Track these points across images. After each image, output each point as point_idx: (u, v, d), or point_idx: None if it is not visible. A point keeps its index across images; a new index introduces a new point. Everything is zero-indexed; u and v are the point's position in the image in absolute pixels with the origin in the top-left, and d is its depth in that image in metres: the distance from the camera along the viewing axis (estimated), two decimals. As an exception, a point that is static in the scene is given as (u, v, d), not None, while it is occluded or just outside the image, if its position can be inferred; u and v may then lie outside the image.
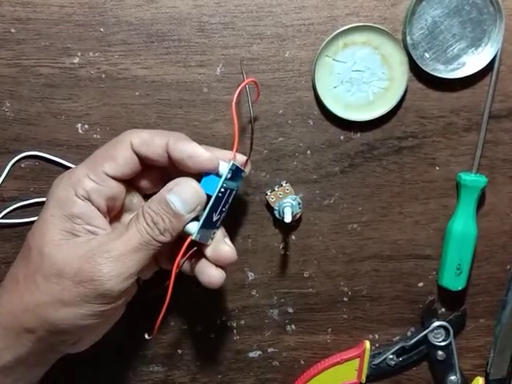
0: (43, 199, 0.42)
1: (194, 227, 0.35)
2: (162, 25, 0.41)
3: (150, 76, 0.42)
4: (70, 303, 0.33)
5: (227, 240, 0.38)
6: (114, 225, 0.38)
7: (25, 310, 0.34)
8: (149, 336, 0.37)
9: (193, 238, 0.35)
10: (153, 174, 0.38)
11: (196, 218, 0.35)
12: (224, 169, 0.36)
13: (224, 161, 0.36)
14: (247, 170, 0.39)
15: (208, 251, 0.37)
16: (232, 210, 0.38)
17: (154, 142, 0.36)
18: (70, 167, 0.42)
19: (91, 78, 0.42)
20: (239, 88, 0.37)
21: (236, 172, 0.37)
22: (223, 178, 0.35)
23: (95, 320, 0.34)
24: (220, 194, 0.36)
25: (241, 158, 0.38)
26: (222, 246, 0.37)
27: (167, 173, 0.37)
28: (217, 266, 0.37)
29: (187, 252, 0.36)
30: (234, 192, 0.37)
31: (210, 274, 0.37)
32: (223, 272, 0.37)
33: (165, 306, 0.35)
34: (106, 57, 0.41)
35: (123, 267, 0.33)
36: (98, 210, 0.36)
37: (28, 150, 0.42)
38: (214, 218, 0.36)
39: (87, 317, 0.34)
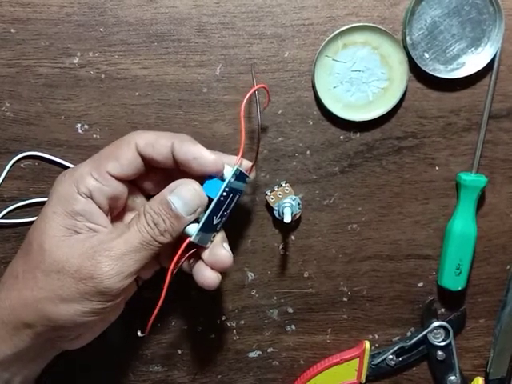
0: (43, 199, 0.43)
1: (193, 229, 0.35)
2: (162, 25, 0.41)
3: (149, 76, 0.42)
4: (70, 299, 0.33)
5: (225, 245, 0.38)
6: (116, 224, 0.38)
7: (24, 305, 0.34)
8: (142, 333, 0.37)
9: (191, 239, 0.35)
10: (156, 176, 0.38)
11: (197, 220, 0.35)
12: (228, 173, 0.36)
13: (229, 165, 0.36)
14: (252, 175, 0.39)
15: (205, 254, 0.37)
16: (235, 208, 0.38)
17: (159, 144, 0.36)
18: (69, 167, 0.42)
19: (91, 78, 0.42)
20: (248, 94, 0.36)
21: (240, 177, 0.37)
22: (226, 182, 0.35)
23: (93, 317, 0.34)
24: (222, 198, 0.36)
25: (246, 164, 0.38)
26: (219, 250, 0.37)
27: (171, 174, 0.37)
28: (214, 269, 0.37)
29: (186, 253, 0.36)
30: (238, 197, 0.37)
31: (205, 276, 0.37)
32: (219, 275, 0.37)
33: (159, 305, 0.35)
34: (105, 57, 0.41)
35: (123, 266, 0.33)
36: (100, 208, 0.36)
37: (28, 150, 0.42)
38: (215, 222, 0.36)
39: (86, 314, 0.34)
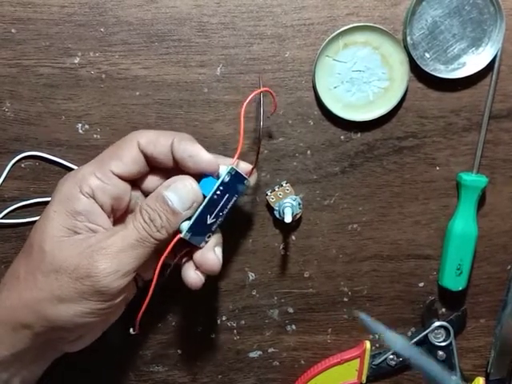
0: (44, 199, 0.43)
1: (186, 226, 0.35)
2: (162, 25, 0.41)
3: (150, 76, 0.42)
4: (68, 300, 0.33)
5: (217, 249, 0.38)
6: (117, 226, 0.38)
7: (23, 306, 0.34)
8: (133, 331, 0.37)
9: (182, 235, 0.35)
10: (159, 176, 0.38)
11: (190, 218, 0.36)
12: (223, 172, 0.36)
13: (226, 166, 0.36)
14: (252, 179, 0.39)
15: (196, 254, 0.37)
16: (232, 210, 0.38)
17: (159, 142, 0.36)
18: (70, 167, 0.42)
19: (91, 78, 0.42)
20: (249, 98, 0.36)
21: (237, 178, 0.36)
22: (220, 180, 0.36)
23: (93, 318, 0.34)
24: (216, 197, 0.36)
25: (245, 166, 0.38)
26: (209, 253, 0.37)
27: (173, 175, 0.37)
28: (200, 271, 0.37)
29: (181, 251, 0.37)
30: (235, 199, 0.37)
31: (190, 276, 0.37)
32: (202, 276, 0.37)
33: (147, 300, 0.35)
34: (106, 57, 0.41)
35: (120, 264, 0.33)
36: (102, 208, 0.36)
37: (28, 150, 0.42)
38: (209, 221, 0.36)
39: (85, 314, 0.34)
